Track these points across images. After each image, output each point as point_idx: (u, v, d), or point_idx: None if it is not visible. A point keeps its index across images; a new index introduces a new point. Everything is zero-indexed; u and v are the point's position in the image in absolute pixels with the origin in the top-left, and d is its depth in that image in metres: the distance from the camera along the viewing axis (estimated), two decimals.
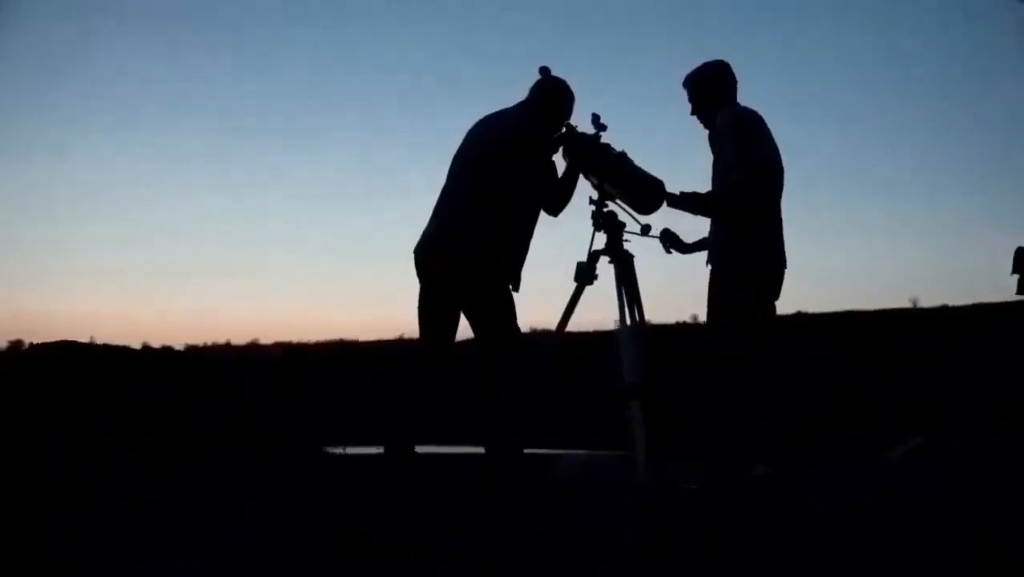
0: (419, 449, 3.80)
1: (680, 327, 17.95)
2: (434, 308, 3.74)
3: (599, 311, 3.83)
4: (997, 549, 2.57)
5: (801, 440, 4.00)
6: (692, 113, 3.83)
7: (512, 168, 3.64)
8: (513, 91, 3.92)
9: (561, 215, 3.87)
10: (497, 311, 3.69)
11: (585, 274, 3.72)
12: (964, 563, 2.44)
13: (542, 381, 3.67)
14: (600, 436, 3.72)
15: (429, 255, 3.71)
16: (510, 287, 3.72)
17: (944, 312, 18.72)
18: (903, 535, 2.72)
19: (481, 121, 3.85)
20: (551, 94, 3.82)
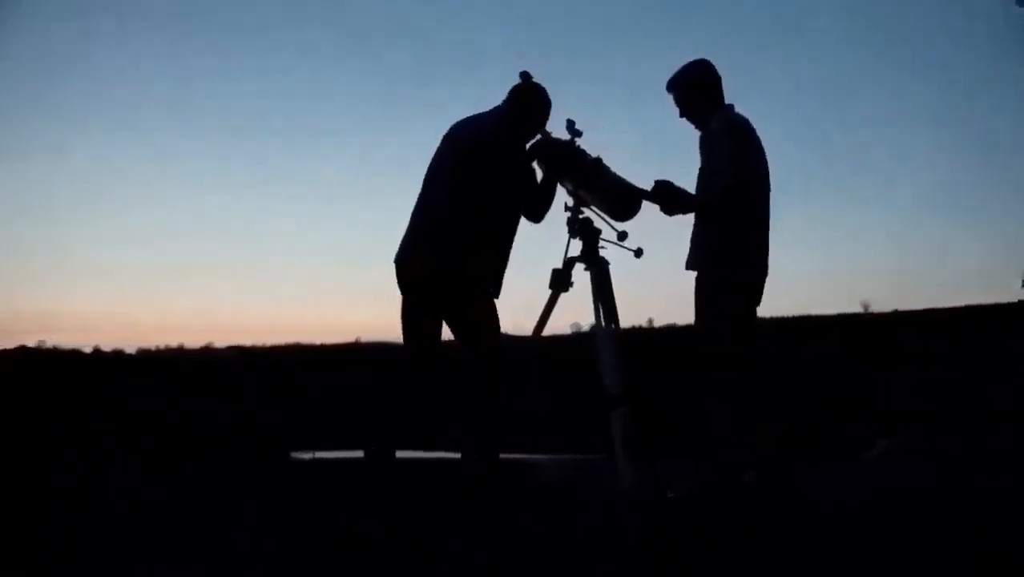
0: (419, 454, 3.92)
1: (635, 331, 18.14)
2: (413, 315, 3.91)
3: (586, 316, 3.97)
4: (997, 549, 2.69)
5: (797, 440, 4.15)
6: (682, 115, 3.97)
7: (482, 174, 3.78)
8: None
9: (541, 220, 4.02)
10: (473, 321, 3.84)
11: (560, 281, 3.86)
12: (964, 563, 2.55)
13: (521, 388, 3.81)
14: (598, 439, 3.85)
15: (404, 259, 3.89)
16: (490, 293, 3.87)
17: (898, 317, 19.14)
18: (903, 535, 2.85)
19: (454, 126, 3.99)
20: (525, 98, 3.96)
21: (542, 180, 3.99)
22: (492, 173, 3.80)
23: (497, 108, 3.99)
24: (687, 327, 3.90)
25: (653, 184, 3.79)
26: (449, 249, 3.76)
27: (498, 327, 3.89)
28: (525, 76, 3.97)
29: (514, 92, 3.98)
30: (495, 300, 3.89)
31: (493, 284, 3.89)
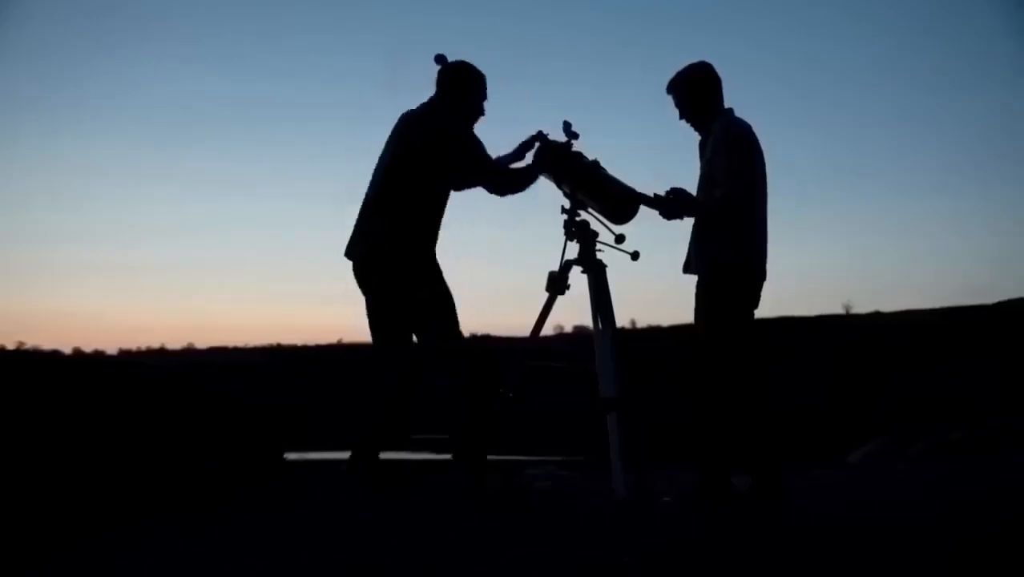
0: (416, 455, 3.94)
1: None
2: (369, 312, 3.95)
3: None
4: (980, 557, 2.69)
5: (790, 445, 4.19)
6: (681, 117, 3.97)
7: (425, 166, 3.82)
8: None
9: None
10: (415, 307, 3.84)
11: (557, 284, 3.89)
12: (951, 567, 2.57)
13: (521, 393, 3.82)
14: (597, 442, 3.87)
15: (348, 254, 3.93)
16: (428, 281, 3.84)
17: (879, 318, 19.18)
18: (890, 543, 2.88)
19: (404, 121, 4.00)
20: (457, 84, 3.99)
21: (528, 168, 4.02)
22: (447, 168, 3.86)
23: (431, 98, 4.00)
24: (671, 328, 3.94)
25: (669, 190, 3.79)
26: (384, 237, 3.81)
27: (444, 322, 3.86)
28: (442, 59, 3.98)
29: (445, 82, 4.00)
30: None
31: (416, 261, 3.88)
